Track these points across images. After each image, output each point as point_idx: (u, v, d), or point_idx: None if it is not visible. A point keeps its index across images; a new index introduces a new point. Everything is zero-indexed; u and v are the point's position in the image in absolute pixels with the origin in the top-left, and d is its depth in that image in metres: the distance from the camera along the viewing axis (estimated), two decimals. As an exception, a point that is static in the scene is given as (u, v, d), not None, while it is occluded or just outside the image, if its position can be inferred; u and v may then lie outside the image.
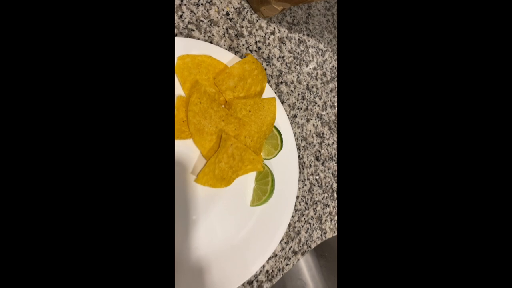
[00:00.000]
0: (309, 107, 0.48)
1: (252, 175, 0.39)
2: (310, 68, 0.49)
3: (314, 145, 0.47)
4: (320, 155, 0.48)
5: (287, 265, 0.41)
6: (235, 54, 0.39)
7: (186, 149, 0.34)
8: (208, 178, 0.33)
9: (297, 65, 0.47)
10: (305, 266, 0.76)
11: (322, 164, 0.48)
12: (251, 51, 0.41)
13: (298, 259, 0.42)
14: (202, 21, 0.37)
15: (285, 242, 0.41)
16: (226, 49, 0.38)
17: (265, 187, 0.38)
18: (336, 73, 0.53)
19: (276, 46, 0.44)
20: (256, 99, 0.36)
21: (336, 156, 0.50)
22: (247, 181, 0.39)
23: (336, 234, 0.48)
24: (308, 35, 0.49)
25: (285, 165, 0.40)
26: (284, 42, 0.45)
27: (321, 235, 0.46)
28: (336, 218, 0.49)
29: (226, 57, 0.36)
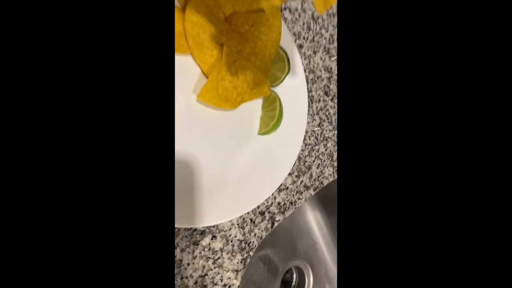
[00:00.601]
0: (315, 39, 0.44)
1: (258, 103, 0.36)
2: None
3: (323, 79, 0.45)
4: (329, 90, 0.45)
5: (299, 199, 0.39)
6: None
7: (185, 66, 0.31)
8: (211, 96, 0.31)
9: (301, -8, 0.43)
10: (316, 225, 0.75)
11: (332, 100, 0.45)
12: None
13: (311, 194, 0.40)
14: None
15: (296, 176, 0.39)
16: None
17: (272, 113, 0.35)
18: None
19: (277, -32, 0.41)
20: (258, 13, 0.33)
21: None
22: (254, 109, 0.36)
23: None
24: (311, -38, 0.46)
25: (293, 93, 0.38)
26: (286, -35, 0.42)
27: (333, 173, 0.44)
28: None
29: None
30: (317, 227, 0.75)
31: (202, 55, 0.31)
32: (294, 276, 0.71)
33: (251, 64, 0.33)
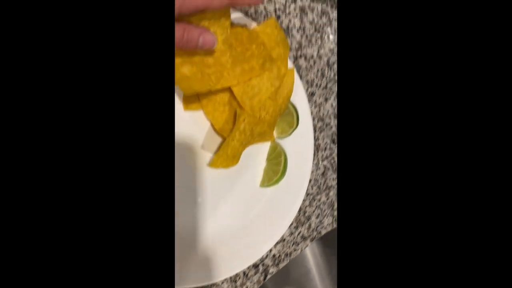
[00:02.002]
0: (328, 85, 0.44)
1: (263, 154, 0.36)
2: (332, 43, 0.45)
3: (331, 127, 0.44)
4: (337, 138, 0.45)
5: (295, 250, 0.39)
6: (253, 21, 0.35)
7: (193, 123, 0.32)
8: (222, 160, 0.31)
9: (318, 38, 0.43)
10: (310, 254, 0.75)
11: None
12: (269, 19, 0.37)
13: (307, 245, 0.40)
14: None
15: (294, 227, 0.39)
16: (243, 14, 0.35)
17: (277, 168, 0.35)
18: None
19: (296, 15, 0.40)
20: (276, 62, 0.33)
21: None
22: (258, 160, 0.36)
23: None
24: (332, 7, 0.45)
25: (300, 145, 0.37)
26: (305, 12, 0.41)
27: (332, 222, 0.43)
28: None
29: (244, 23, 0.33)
30: (312, 256, 0.75)
31: (214, 111, 0.31)
32: (286, 302, 0.71)
33: (259, 119, 0.33)
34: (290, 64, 0.36)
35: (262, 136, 0.34)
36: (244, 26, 0.32)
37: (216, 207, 0.32)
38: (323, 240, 0.75)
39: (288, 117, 0.36)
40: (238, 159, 0.33)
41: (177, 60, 0.27)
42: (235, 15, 0.32)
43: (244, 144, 0.33)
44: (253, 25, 0.33)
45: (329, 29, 0.45)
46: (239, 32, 0.30)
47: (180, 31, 0.24)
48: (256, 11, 0.36)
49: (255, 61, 0.29)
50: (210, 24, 0.27)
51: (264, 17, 0.37)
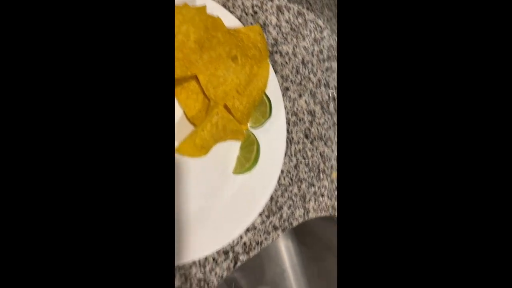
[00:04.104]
0: (302, 82, 0.46)
1: (237, 144, 0.37)
2: (307, 43, 0.47)
3: (305, 122, 0.46)
4: (310, 133, 0.47)
5: (266, 239, 0.40)
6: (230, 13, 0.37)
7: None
8: (188, 147, 0.31)
9: (293, 37, 0.45)
10: (286, 253, 0.75)
11: (311, 142, 0.47)
12: (246, 14, 0.39)
13: (278, 235, 0.41)
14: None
15: (266, 216, 0.40)
16: (220, 5, 0.36)
17: (249, 155, 0.36)
18: (333, 53, 0.51)
19: (273, 13, 0.42)
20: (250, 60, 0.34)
21: (325, 137, 0.49)
22: (231, 149, 0.37)
23: (319, 215, 0.47)
24: (308, 9, 0.48)
25: (273, 136, 0.39)
26: (282, 11, 0.44)
27: (304, 214, 0.45)
28: (320, 199, 0.47)
29: (222, 15, 0.34)
30: (287, 256, 0.76)
31: (187, 99, 0.31)
32: (260, 301, 0.71)
33: (235, 108, 0.34)
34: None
35: (234, 134, 0.35)
36: (214, 15, 0.33)
37: (188, 190, 0.33)
38: (299, 238, 0.76)
39: (261, 107, 0.37)
40: (207, 151, 0.33)
41: None
42: (211, 4, 0.33)
43: (216, 139, 0.34)
44: (228, 16, 0.34)
45: (304, 30, 0.47)
46: (203, 13, 0.30)
47: None
48: (234, 5, 0.38)
49: (221, 48, 0.30)
50: (185, 20, 0.28)
51: (242, 11, 0.39)
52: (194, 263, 0.33)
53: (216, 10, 0.34)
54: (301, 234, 0.75)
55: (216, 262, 0.35)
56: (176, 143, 0.33)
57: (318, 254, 0.72)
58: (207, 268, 0.34)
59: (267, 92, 0.38)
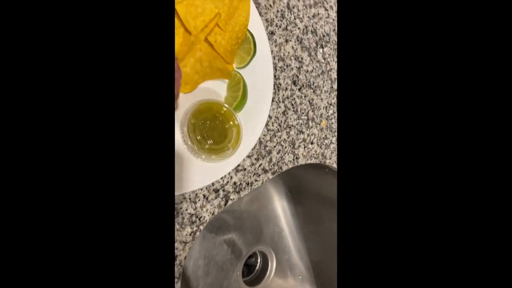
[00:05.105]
0: (288, 27, 0.45)
1: (224, 86, 0.37)
2: (292, -13, 0.46)
3: (292, 69, 0.46)
4: (298, 80, 0.46)
5: (256, 181, 0.40)
6: None
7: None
8: None
9: (278, -21, 0.44)
10: (282, 213, 0.77)
11: (299, 90, 0.47)
12: (227, -50, 0.38)
13: (268, 178, 0.42)
14: None
15: (255, 159, 0.40)
16: None
17: (236, 94, 0.36)
18: (320, -1, 0.50)
19: (255, -48, 0.41)
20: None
21: (314, 84, 0.49)
22: (219, 90, 0.37)
23: (309, 161, 0.48)
24: (292, -49, 0.46)
25: (259, 77, 0.39)
26: (264, -50, 0.42)
27: (293, 159, 0.45)
28: (310, 146, 0.48)
29: None
30: (283, 215, 0.78)
31: None
32: (259, 260, 0.74)
33: (216, 50, 0.33)
34: None
35: (221, 72, 0.35)
36: None
37: (178, 129, 0.33)
38: (295, 199, 0.78)
39: (246, 45, 0.37)
40: (192, 87, 0.33)
41: None
42: None
43: (201, 76, 0.33)
44: None
45: (289, -28, 0.46)
46: None
47: None
48: None
49: None
50: None
51: None
52: (184, 198, 0.34)
53: None
54: (296, 194, 0.77)
55: (207, 199, 0.35)
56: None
57: (314, 213, 0.74)
58: (198, 205, 0.35)
59: (251, 30, 0.37)
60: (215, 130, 0.32)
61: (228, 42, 0.34)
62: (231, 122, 0.33)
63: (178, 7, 0.29)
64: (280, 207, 0.80)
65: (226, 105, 0.33)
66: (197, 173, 0.33)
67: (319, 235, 0.74)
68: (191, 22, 0.30)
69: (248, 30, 0.36)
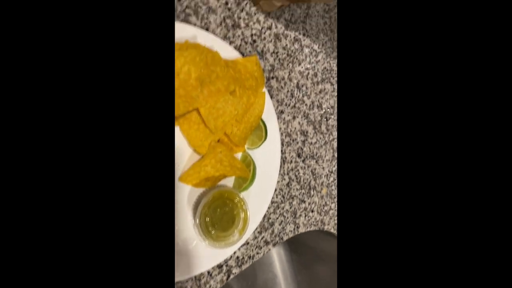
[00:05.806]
0: (296, 105, 0.49)
1: (234, 164, 0.40)
2: (302, 67, 0.50)
3: (297, 142, 0.49)
4: (302, 152, 0.50)
5: (257, 253, 0.42)
6: (230, 45, 0.39)
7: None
8: (192, 179, 0.34)
9: (290, 62, 0.48)
10: (277, 260, 0.78)
11: (303, 161, 0.50)
12: (246, 43, 0.42)
13: (269, 249, 0.44)
14: (200, 7, 0.37)
15: (258, 232, 0.43)
16: (221, 38, 0.39)
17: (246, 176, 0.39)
18: (327, 75, 0.54)
19: (271, 41, 0.45)
20: (247, 91, 0.37)
21: (317, 155, 0.52)
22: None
23: (308, 229, 0.50)
24: (304, 35, 0.50)
25: (268, 157, 0.42)
26: (279, 38, 0.46)
27: (294, 229, 0.48)
28: (310, 214, 0.50)
29: (222, 47, 0.37)
30: (279, 262, 0.79)
31: (189, 129, 0.34)
32: (251, 304, 0.74)
33: (229, 140, 0.36)
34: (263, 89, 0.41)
35: (241, 171, 0.37)
36: (213, 50, 0.35)
37: (187, 211, 0.35)
38: (290, 246, 0.79)
39: (258, 131, 0.40)
40: (213, 183, 0.36)
41: None
42: (211, 37, 0.36)
43: (223, 174, 0.35)
44: (227, 48, 0.37)
45: (300, 55, 0.50)
46: (203, 53, 0.32)
47: None
48: (234, 35, 0.41)
49: (220, 82, 0.33)
50: (186, 61, 0.30)
51: (241, 40, 0.41)
52: (190, 277, 0.36)
53: (216, 42, 0.36)
54: (292, 244, 0.78)
55: (211, 275, 0.37)
56: (180, 172, 0.35)
57: (309, 262, 0.75)
58: (202, 281, 0.37)
59: (263, 117, 0.41)
60: (224, 216, 0.35)
61: (242, 132, 0.37)
62: (240, 210, 0.36)
63: (202, 110, 0.32)
64: (276, 254, 0.81)
65: (239, 194, 0.36)
66: (205, 254, 0.35)
67: (313, 283, 0.75)
68: (212, 122, 0.33)
69: (262, 120, 0.40)
